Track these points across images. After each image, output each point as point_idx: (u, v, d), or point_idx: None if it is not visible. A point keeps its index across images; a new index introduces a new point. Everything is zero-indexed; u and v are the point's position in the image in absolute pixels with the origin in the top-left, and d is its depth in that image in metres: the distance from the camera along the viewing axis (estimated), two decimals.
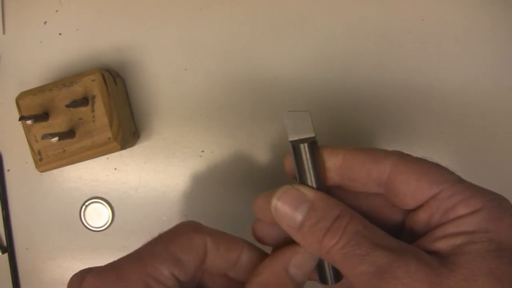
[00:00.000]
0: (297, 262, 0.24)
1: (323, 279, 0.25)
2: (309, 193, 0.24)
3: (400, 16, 0.39)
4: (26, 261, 0.41)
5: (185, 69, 0.40)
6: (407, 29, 0.39)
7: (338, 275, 0.25)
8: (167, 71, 0.40)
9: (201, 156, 0.40)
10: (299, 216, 0.23)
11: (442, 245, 0.22)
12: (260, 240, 0.27)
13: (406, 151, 0.25)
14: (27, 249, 0.41)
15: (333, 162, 0.25)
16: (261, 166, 0.40)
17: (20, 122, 0.36)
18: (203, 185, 0.40)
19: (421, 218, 0.23)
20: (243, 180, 0.40)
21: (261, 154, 0.40)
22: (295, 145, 0.24)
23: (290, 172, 0.26)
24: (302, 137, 0.24)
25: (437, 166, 0.23)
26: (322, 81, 0.39)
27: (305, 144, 0.24)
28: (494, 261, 0.20)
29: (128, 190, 0.40)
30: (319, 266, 0.25)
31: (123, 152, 0.40)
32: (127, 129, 0.37)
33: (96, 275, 0.23)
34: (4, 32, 0.40)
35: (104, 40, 0.40)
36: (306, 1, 0.39)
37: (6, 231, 0.41)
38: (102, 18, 0.40)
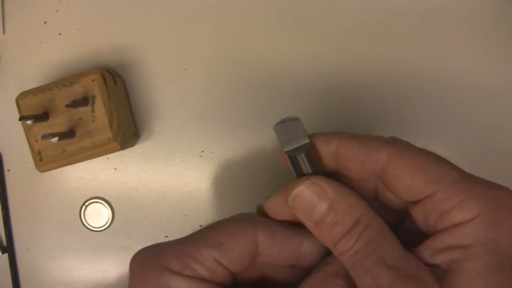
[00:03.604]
0: None
1: None
2: (330, 189, 0.23)
3: (400, 16, 0.39)
4: (26, 261, 0.41)
5: (185, 69, 0.40)
6: (407, 29, 0.39)
7: None
8: (167, 71, 0.40)
9: (201, 156, 0.40)
10: (317, 214, 0.22)
11: (441, 259, 0.21)
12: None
13: None
14: (27, 249, 0.41)
15: (327, 151, 0.24)
16: (261, 166, 0.40)
17: (20, 122, 0.36)
18: (203, 185, 0.40)
19: (418, 214, 0.23)
20: (243, 180, 0.40)
21: (261, 154, 0.40)
22: (292, 156, 0.24)
23: (285, 164, 0.25)
24: (296, 145, 0.24)
25: (436, 161, 0.22)
26: (322, 81, 0.39)
27: (302, 154, 0.23)
28: (494, 279, 0.19)
29: (128, 190, 0.40)
30: None
31: (123, 152, 0.40)
32: (127, 129, 0.37)
33: (144, 249, 0.24)
34: (4, 32, 0.40)
35: (104, 40, 0.40)
36: (306, 1, 0.39)
37: (6, 231, 0.41)
38: (102, 18, 0.40)
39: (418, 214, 0.22)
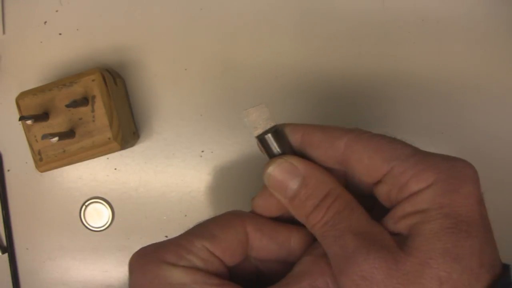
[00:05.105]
0: None
1: None
2: (301, 167, 0.24)
3: (400, 16, 0.39)
4: (26, 261, 0.41)
5: (185, 69, 0.40)
6: (407, 29, 0.39)
7: None
8: (167, 71, 0.40)
9: (201, 156, 0.40)
10: (291, 190, 0.24)
11: (402, 226, 0.22)
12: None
13: None
14: (27, 249, 0.41)
15: (294, 139, 0.25)
16: (261, 166, 0.40)
17: (20, 122, 0.36)
18: (203, 185, 0.40)
19: (382, 193, 0.23)
20: (243, 180, 0.40)
21: (261, 154, 0.40)
22: (261, 138, 0.25)
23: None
24: (265, 129, 0.25)
25: (391, 141, 0.23)
26: (322, 81, 0.39)
27: (269, 135, 0.25)
28: (450, 239, 0.20)
29: (128, 190, 0.40)
30: None
31: (123, 152, 0.40)
32: (127, 129, 0.37)
33: (141, 248, 0.25)
34: (4, 32, 0.40)
35: (104, 40, 0.40)
36: (306, 1, 0.39)
37: (6, 231, 0.41)
38: (102, 18, 0.40)
39: (381, 193, 0.23)
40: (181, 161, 0.40)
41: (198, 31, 0.40)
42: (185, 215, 0.40)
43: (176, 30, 0.40)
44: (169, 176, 0.40)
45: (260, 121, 0.25)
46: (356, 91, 0.39)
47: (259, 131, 0.25)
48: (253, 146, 0.39)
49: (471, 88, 0.39)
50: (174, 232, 0.26)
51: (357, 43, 0.39)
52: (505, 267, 0.21)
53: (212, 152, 0.40)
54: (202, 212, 0.40)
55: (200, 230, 0.25)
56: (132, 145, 0.39)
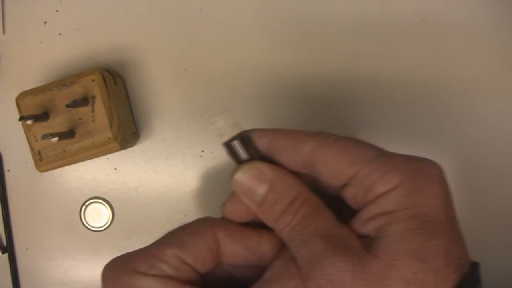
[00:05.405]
0: None
1: None
2: (268, 172, 0.24)
3: (400, 16, 0.39)
4: (26, 261, 0.41)
5: (185, 69, 0.40)
6: (407, 29, 0.39)
7: None
8: (167, 71, 0.40)
9: (201, 156, 0.40)
10: (258, 196, 0.24)
11: (369, 228, 0.22)
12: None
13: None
14: (27, 249, 0.41)
15: (261, 144, 0.25)
16: None
17: (20, 122, 0.36)
18: (203, 185, 0.40)
19: (348, 196, 0.23)
20: None
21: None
22: (228, 144, 0.25)
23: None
24: (231, 136, 0.25)
25: (356, 143, 0.23)
26: (322, 81, 0.39)
27: (236, 141, 0.25)
28: (416, 240, 0.20)
29: (128, 190, 0.40)
30: None
31: (123, 152, 0.40)
32: (127, 129, 0.37)
33: (112, 259, 0.25)
34: (4, 32, 0.40)
35: (104, 40, 0.40)
36: (306, 2, 0.39)
37: (6, 231, 0.41)
38: (102, 18, 0.40)
39: (348, 196, 0.24)
40: (181, 161, 0.40)
41: (198, 31, 0.40)
42: (185, 215, 0.40)
43: (176, 30, 0.40)
44: (169, 176, 0.40)
45: (227, 128, 0.26)
46: (356, 91, 0.39)
47: (226, 138, 0.25)
48: None
49: (471, 88, 0.39)
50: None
51: (356, 44, 0.39)
52: (473, 265, 0.21)
53: (212, 152, 0.40)
54: (202, 212, 0.40)
55: (171, 238, 0.25)
56: (132, 145, 0.39)
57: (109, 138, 0.35)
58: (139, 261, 0.24)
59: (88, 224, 0.40)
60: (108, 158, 0.40)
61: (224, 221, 0.27)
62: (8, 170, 0.41)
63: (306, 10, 0.39)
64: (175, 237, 0.25)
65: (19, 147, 0.40)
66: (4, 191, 0.41)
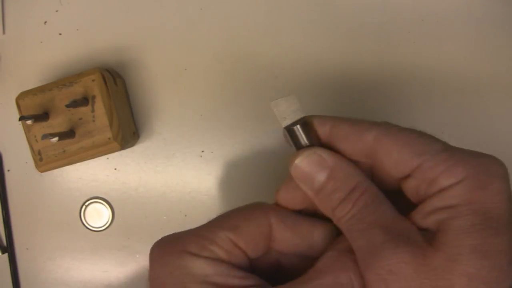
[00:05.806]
0: None
1: None
2: (329, 159, 0.24)
3: (400, 16, 0.39)
4: (26, 261, 0.41)
5: (185, 69, 0.40)
6: (407, 29, 0.39)
7: None
8: (167, 71, 0.40)
9: (201, 156, 0.40)
10: (317, 182, 0.24)
11: (430, 221, 0.21)
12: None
13: None
14: (27, 249, 0.41)
15: (322, 131, 0.25)
16: (261, 166, 0.40)
17: (20, 122, 0.36)
18: (203, 185, 0.40)
19: (410, 188, 0.23)
20: (243, 180, 0.40)
21: (261, 154, 0.40)
22: (289, 129, 0.25)
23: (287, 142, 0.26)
24: (293, 120, 0.25)
25: (420, 135, 0.23)
26: (321, 81, 0.39)
27: (298, 126, 0.24)
28: (479, 236, 0.20)
29: (128, 190, 0.40)
30: None
31: (123, 152, 0.40)
32: (127, 129, 0.37)
33: (162, 238, 0.25)
34: (4, 32, 0.40)
35: (104, 40, 0.40)
36: (306, 1, 0.39)
37: (6, 231, 0.41)
38: (102, 18, 0.40)
39: (409, 188, 0.23)
40: (181, 161, 0.40)
41: (198, 31, 0.40)
42: (185, 215, 0.40)
43: (176, 30, 0.40)
44: (169, 176, 0.40)
45: (289, 112, 0.25)
46: (355, 90, 0.39)
47: (288, 122, 0.25)
48: (254, 146, 0.39)
49: (471, 87, 0.39)
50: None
51: (357, 43, 0.39)
52: None
53: (212, 152, 0.40)
54: (202, 212, 0.40)
55: (223, 221, 0.25)
56: (132, 145, 0.39)
57: (109, 138, 0.35)
58: (190, 242, 0.23)
59: (88, 224, 0.40)
60: (108, 158, 0.40)
61: (278, 208, 0.26)
62: (8, 170, 0.41)
63: (305, 10, 0.39)
64: (228, 220, 0.25)
65: (19, 147, 0.40)
66: (4, 191, 0.41)
